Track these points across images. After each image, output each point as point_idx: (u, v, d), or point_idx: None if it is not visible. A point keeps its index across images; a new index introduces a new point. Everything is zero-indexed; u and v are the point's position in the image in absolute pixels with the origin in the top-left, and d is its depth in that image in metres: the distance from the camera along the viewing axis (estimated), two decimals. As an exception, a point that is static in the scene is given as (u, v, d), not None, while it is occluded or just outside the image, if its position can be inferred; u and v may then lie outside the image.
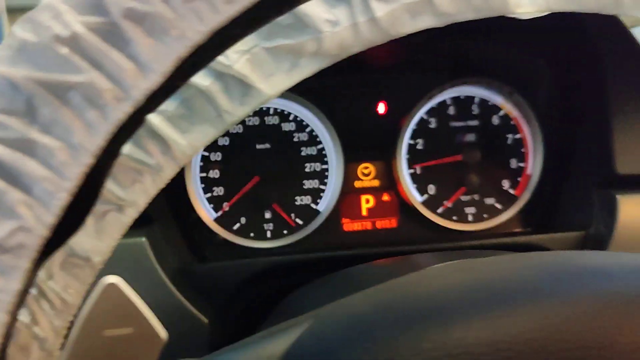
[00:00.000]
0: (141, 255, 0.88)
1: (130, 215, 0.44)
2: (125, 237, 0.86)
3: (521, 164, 1.19)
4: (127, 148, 0.43)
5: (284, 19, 0.43)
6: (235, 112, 0.45)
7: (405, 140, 1.15)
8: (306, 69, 0.45)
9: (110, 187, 0.41)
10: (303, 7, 0.43)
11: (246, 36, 0.40)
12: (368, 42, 0.46)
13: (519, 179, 1.19)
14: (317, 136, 1.14)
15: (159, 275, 0.88)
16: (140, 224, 0.91)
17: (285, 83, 0.45)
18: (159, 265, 0.89)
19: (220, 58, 0.43)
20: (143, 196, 0.44)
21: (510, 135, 1.18)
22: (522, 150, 1.19)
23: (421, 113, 1.16)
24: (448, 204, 1.17)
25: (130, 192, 0.44)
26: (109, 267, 0.85)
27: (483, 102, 1.18)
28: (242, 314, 0.97)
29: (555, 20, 1.00)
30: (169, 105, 0.43)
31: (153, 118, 0.43)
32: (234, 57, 0.43)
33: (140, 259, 0.88)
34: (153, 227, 0.93)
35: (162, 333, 0.46)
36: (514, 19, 1.06)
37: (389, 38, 0.46)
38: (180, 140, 0.44)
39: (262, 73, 0.44)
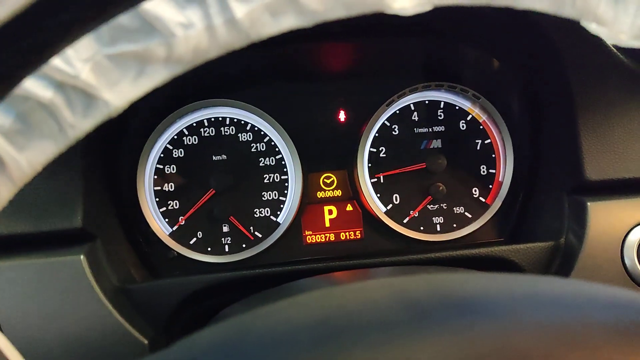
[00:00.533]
0: (78, 274, 0.85)
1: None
2: (61, 254, 0.83)
3: (492, 170, 1.13)
4: (-45, 168, 0.39)
5: (128, 21, 0.40)
6: (80, 125, 0.41)
7: (367, 148, 1.11)
8: (155, 77, 0.41)
9: None
10: (150, 8, 0.40)
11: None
12: (226, 46, 0.42)
13: (490, 186, 1.13)
14: (275, 146, 1.11)
15: (96, 294, 0.85)
16: (79, 241, 0.88)
17: (132, 92, 0.41)
18: (97, 284, 0.85)
19: (64, 67, 0.39)
20: (-23, 219, 0.41)
21: (479, 141, 1.13)
22: (493, 155, 1.13)
23: (382, 120, 1.11)
24: (414, 213, 1.12)
25: (-39, 216, 0.40)
26: (45, 285, 0.82)
27: (449, 107, 1.13)
28: (185, 333, 0.93)
29: (512, 19, 0.94)
30: (3, 119, 0.40)
31: (-15, 134, 0.40)
32: (79, 66, 0.40)
33: (76, 277, 0.85)
34: (94, 244, 0.89)
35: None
36: (474, 19, 1.01)
37: (248, 41, 0.42)
38: (18, 158, 0.40)
39: (107, 82, 0.41)
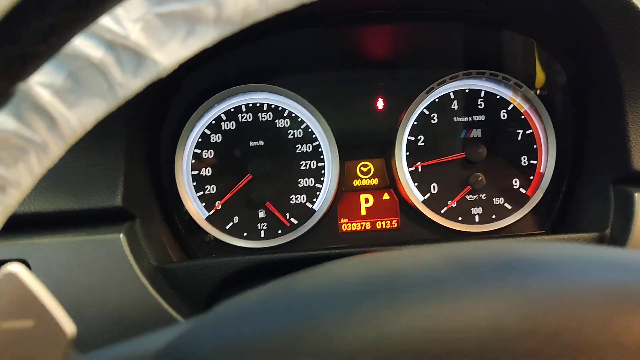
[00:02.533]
0: (117, 252, 0.86)
1: (14, 196, 0.41)
2: (102, 232, 0.84)
3: (533, 162, 1.11)
4: (9, 124, 0.40)
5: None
6: (129, 84, 0.41)
7: (405, 136, 1.09)
8: (205, 37, 0.41)
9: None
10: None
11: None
12: (275, 7, 0.42)
13: (531, 177, 1.11)
14: (312, 133, 1.10)
15: (134, 272, 0.86)
16: (120, 220, 0.89)
17: (181, 52, 0.41)
18: (135, 262, 0.86)
19: (114, 27, 0.40)
20: (28, 176, 0.41)
21: (520, 131, 1.11)
22: (534, 146, 1.11)
23: (421, 108, 1.10)
24: (452, 203, 1.10)
25: (13, 172, 0.41)
26: (85, 262, 0.84)
27: (490, 96, 1.11)
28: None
29: (560, 4, 0.92)
30: (55, 78, 0.40)
31: (38, 91, 0.40)
32: (129, 26, 0.40)
33: (116, 255, 0.86)
34: (134, 224, 0.90)
35: (69, 328, 0.42)
36: (519, 4, 0.99)
37: (298, 2, 0.42)
38: (69, 116, 0.41)
39: (156, 42, 0.41)
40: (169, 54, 0.41)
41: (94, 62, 0.40)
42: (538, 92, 1.09)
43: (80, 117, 0.41)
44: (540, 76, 1.10)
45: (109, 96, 0.41)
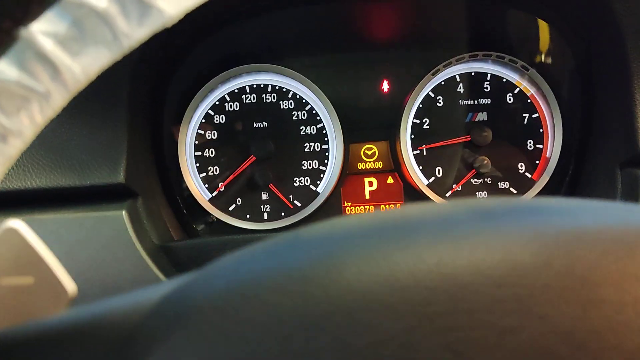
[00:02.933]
0: (120, 229, 0.85)
1: (15, 146, 0.40)
2: (103, 209, 0.83)
3: (539, 146, 1.09)
4: (11, 72, 0.39)
5: None
6: (134, 34, 0.40)
7: (410, 119, 1.08)
8: (211, -14, 0.40)
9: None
10: None
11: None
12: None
13: (537, 161, 1.10)
14: (317, 114, 1.09)
15: (137, 250, 0.85)
16: (122, 198, 0.88)
17: (187, 1, 0.40)
18: (137, 240, 0.85)
19: (119, -25, 0.39)
20: (30, 126, 0.40)
21: (526, 115, 1.09)
22: (540, 130, 1.09)
23: (426, 90, 1.09)
24: (457, 187, 1.09)
25: (15, 121, 0.40)
26: (87, 239, 0.83)
27: (496, 79, 1.10)
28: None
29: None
30: (59, 26, 0.39)
31: (41, 40, 0.39)
32: (134, -25, 0.39)
33: (118, 232, 0.85)
34: (136, 201, 0.90)
35: (70, 286, 0.42)
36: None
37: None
38: (72, 65, 0.40)
39: (162, -10, 0.40)
40: (175, 2, 0.40)
41: (98, 11, 0.39)
42: (545, 75, 1.08)
43: (84, 66, 0.40)
44: (547, 59, 1.09)
45: (113, 46, 0.40)
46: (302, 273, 0.28)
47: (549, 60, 1.08)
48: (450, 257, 0.26)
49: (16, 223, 0.42)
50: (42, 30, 0.38)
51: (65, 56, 0.39)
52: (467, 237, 0.28)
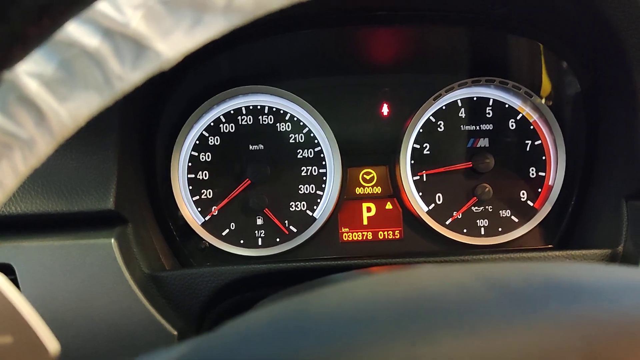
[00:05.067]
0: (108, 258, 0.82)
1: (-6, 197, 0.37)
2: (92, 236, 0.79)
3: (541, 174, 1.07)
4: (-8, 117, 0.36)
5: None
6: (128, 77, 0.37)
7: (410, 144, 1.06)
8: (212, 27, 0.37)
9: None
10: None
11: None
12: (292, -4, 0.38)
13: (539, 190, 1.07)
14: (315, 137, 1.06)
15: (125, 280, 0.81)
16: (112, 224, 0.85)
17: (186, 43, 0.37)
18: (127, 269, 0.82)
19: (113, 13, 0.36)
20: (11, 175, 0.37)
21: (529, 142, 1.07)
22: (543, 158, 1.07)
23: (427, 115, 1.06)
24: (457, 215, 1.06)
25: (-5, 170, 0.37)
26: (74, 268, 0.79)
27: (498, 104, 1.07)
28: (215, 325, 0.89)
29: (578, 12, 0.88)
30: (45, 67, 0.36)
31: (26, 81, 0.36)
32: (129, 13, 0.36)
33: (106, 261, 0.81)
34: (126, 228, 0.86)
35: (52, 345, 0.38)
36: (535, 11, 0.96)
37: (317, -9, 0.38)
38: (59, 109, 0.36)
39: (159, 31, 0.36)
40: (173, 44, 0.37)
41: (89, 51, 0.35)
42: (548, 101, 1.06)
43: (71, 111, 0.36)
44: (551, 85, 1.06)
45: (104, 89, 0.37)
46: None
47: (553, 88, 1.06)
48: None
49: (-5, 276, 0.39)
50: (27, 71, 0.35)
51: (51, 100, 0.36)
52: (501, 331, 0.25)
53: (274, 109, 1.06)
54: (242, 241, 1.04)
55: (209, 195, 1.04)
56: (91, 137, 0.84)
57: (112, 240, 0.82)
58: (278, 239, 1.05)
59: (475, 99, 1.07)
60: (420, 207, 1.06)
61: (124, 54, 0.36)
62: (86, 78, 0.37)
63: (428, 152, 1.06)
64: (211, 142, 1.05)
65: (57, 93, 0.36)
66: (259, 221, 1.05)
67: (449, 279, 0.31)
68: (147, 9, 0.36)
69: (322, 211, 1.05)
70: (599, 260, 0.91)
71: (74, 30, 0.35)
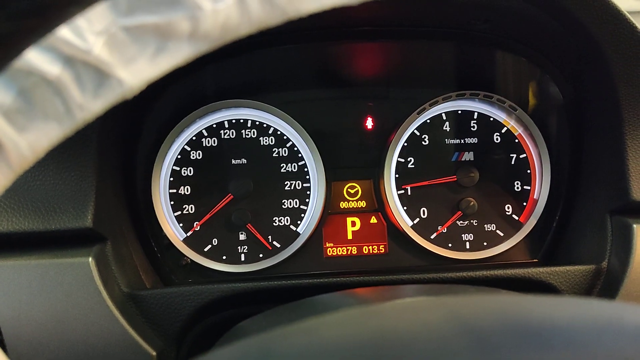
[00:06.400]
0: (85, 277, 0.80)
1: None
2: (68, 255, 0.78)
3: (526, 187, 1.07)
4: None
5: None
6: (89, 106, 0.36)
7: (394, 158, 1.05)
8: (177, 55, 0.36)
9: None
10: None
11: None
12: (259, 22, 0.37)
13: (524, 203, 1.07)
14: (298, 152, 1.05)
15: (103, 300, 0.79)
16: (90, 242, 0.83)
17: (150, 71, 0.36)
18: (104, 289, 0.80)
19: (74, 40, 0.34)
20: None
21: (514, 155, 1.07)
22: (528, 171, 1.07)
23: (412, 128, 1.05)
24: (442, 229, 1.05)
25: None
26: (50, 287, 0.77)
27: (483, 118, 1.07)
28: (196, 345, 0.87)
29: (563, 29, 0.88)
30: (3, 96, 0.34)
31: (-19, 112, 0.35)
32: (91, 40, 0.34)
33: (83, 280, 0.80)
34: (104, 246, 0.84)
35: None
36: (518, 25, 0.95)
37: (284, 18, 0.37)
38: (17, 141, 0.35)
39: (122, 58, 0.35)
40: (136, 72, 0.36)
41: (49, 80, 0.34)
42: (533, 115, 1.05)
43: (31, 142, 0.35)
44: (535, 99, 1.06)
45: (65, 119, 0.36)
46: None
47: (537, 101, 1.06)
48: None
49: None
50: (-17, 101, 0.34)
51: (10, 130, 0.34)
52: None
53: (257, 123, 1.05)
54: (224, 257, 1.03)
55: (191, 210, 1.03)
56: (68, 152, 0.82)
57: (90, 259, 0.80)
58: (261, 255, 1.03)
59: (459, 112, 1.07)
60: (404, 221, 1.05)
61: (85, 82, 0.35)
62: (46, 107, 0.35)
63: (412, 166, 1.06)
64: (193, 156, 1.03)
65: (15, 123, 0.35)
66: (242, 237, 1.03)
67: (420, 319, 0.30)
68: (109, 35, 0.35)
69: (306, 226, 1.04)
70: (583, 276, 0.90)
71: (34, 57, 0.34)
